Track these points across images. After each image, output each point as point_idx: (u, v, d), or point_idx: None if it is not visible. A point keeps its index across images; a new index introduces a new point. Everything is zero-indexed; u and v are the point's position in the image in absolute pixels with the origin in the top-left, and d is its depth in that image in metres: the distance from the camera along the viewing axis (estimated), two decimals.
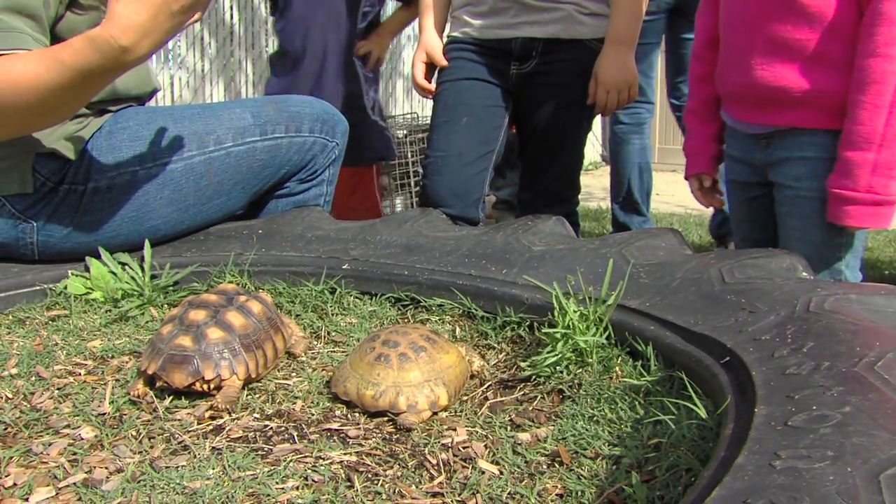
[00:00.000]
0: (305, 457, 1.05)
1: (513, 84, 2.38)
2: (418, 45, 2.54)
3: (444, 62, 2.44)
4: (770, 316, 1.09)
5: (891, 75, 1.65)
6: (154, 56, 1.75)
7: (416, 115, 5.70)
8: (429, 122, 4.74)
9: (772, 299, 1.15)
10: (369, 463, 1.03)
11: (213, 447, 1.07)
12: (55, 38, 1.63)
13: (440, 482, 0.99)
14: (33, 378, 1.32)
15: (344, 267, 1.68)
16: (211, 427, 1.14)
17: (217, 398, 1.22)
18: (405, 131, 4.95)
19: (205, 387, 1.23)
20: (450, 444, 1.08)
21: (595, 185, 6.77)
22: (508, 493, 0.95)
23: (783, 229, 1.92)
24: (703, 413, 0.98)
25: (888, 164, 1.69)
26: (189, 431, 1.12)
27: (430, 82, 2.51)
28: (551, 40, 2.30)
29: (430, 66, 2.52)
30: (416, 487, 0.98)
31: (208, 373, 1.22)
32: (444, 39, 2.52)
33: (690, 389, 1.04)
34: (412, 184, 4.29)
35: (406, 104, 6.93)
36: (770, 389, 0.87)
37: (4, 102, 1.42)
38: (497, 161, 2.46)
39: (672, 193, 6.09)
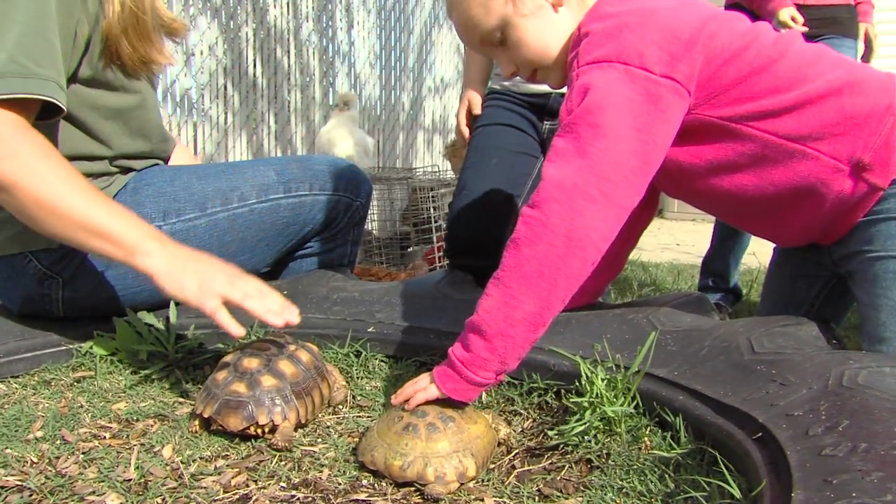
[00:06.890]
0: None
1: (544, 140, 2.39)
2: (461, 96, 2.57)
3: (479, 111, 2.46)
4: (802, 389, 1.08)
5: None
6: (178, 108, 1.75)
7: (436, 167, 5.72)
8: (448, 175, 4.72)
9: (803, 371, 1.13)
10: None
11: None
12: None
13: None
14: (58, 441, 1.32)
15: (369, 330, 1.68)
16: (237, 496, 1.13)
17: (276, 437, 1.28)
18: (426, 185, 4.95)
19: (258, 431, 1.29)
20: None
21: None
22: None
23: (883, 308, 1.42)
24: (737, 493, 0.97)
25: None
26: (215, 500, 1.12)
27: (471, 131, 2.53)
28: None
29: (474, 118, 2.54)
30: None
31: (262, 418, 1.28)
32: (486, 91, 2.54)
33: (722, 466, 1.02)
34: (433, 239, 4.29)
35: (427, 157, 6.97)
36: (806, 472, 0.86)
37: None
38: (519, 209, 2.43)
39: (693, 244, 6.03)
